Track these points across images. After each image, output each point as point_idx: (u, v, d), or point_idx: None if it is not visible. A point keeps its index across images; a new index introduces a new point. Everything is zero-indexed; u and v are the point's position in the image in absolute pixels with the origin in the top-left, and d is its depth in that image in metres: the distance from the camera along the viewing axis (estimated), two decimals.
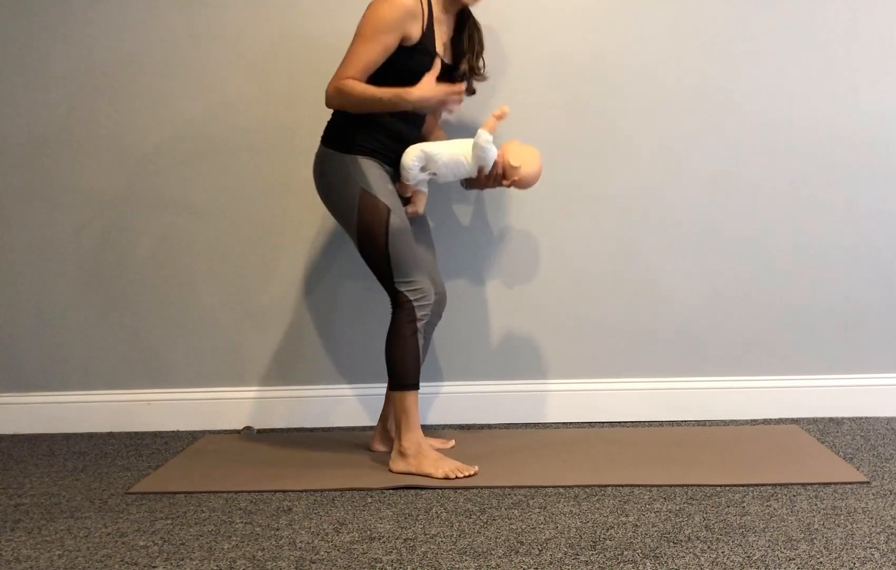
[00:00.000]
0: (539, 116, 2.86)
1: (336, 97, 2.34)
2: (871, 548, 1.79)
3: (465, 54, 2.48)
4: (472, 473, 2.33)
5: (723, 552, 1.79)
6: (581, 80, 2.85)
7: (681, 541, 1.86)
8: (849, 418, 2.85)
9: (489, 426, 2.88)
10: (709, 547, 1.82)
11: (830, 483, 2.20)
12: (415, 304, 2.35)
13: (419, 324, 2.36)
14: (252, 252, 2.95)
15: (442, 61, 2.41)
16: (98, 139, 2.95)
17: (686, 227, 2.88)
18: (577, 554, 1.81)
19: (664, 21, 2.82)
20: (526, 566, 1.76)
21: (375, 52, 2.30)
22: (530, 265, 2.92)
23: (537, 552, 1.82)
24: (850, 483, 2.19)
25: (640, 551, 1.82)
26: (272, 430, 2.96)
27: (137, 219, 2.97)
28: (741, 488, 2.19)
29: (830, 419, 2.84)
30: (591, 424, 2.88)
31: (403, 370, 2.36)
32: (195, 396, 3.00)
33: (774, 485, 2.20)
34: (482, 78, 2.57)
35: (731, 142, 2.84)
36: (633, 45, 2.83)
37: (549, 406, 2.86)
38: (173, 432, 2.98)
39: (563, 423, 2.90)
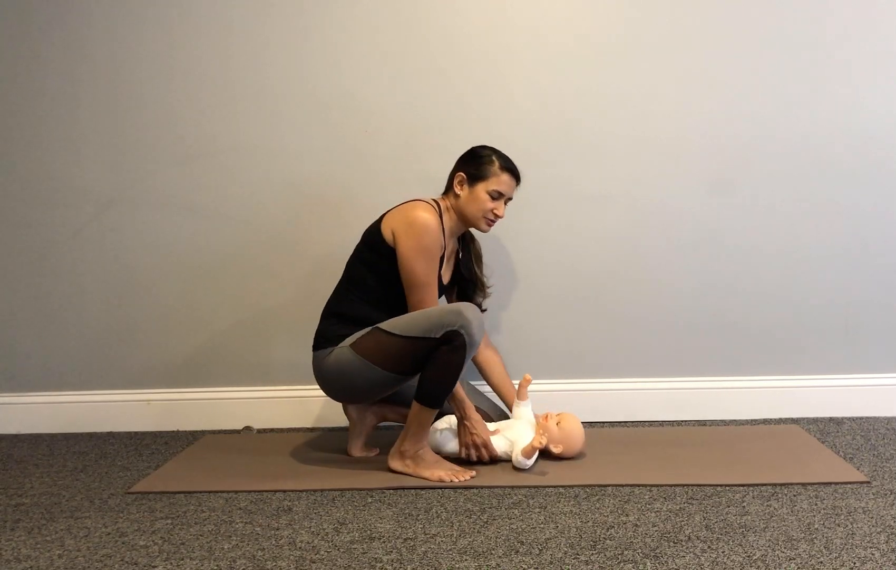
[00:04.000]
0: (540, 113, 2.86)
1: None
2: (871, 548, 1.79)
3: (472, 273, 2.64)
4: (468, 477, 2.32)
5: (723, 552, 1.79)
6: (582, 80, 2.85)
7: (681, 541, 1.86)
8: (849, 418, 2.85)
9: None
10: (709, 547, 1.82)
11: (830, 483, 2.20)
12: (461, 330, 2.25)
13: (467, 352, 2.28)
14: (252, 252, 2.95)
15: (440, 281, 2.51)
16: (98, 139, 2.95)
17: (686, 228, 2.88)
18: (577, 554, 1.81)
19: (665, 23, 2.82)
20: (526, 566, 1.76)
21: (436, 270, 2.42)
22: (529, 266, 2.92)
23: (537, 552, 1.82)
24: (850, 483, 2.19)
25: (640, 551, 1.81)
26: (272, 430, 2.96)
27: (137, 219, 2.97)
28: (741, 488, 2.19)
29: (830, 419, 2.84)
30: (591, 424, 2.88)
31: (440, 391, 2.32)
32: (195, 396, 3.00)
33: (774, 485, 2.20)
34: (486, 295, 2.67)
35: (732, 143, 2.84)
36: (633, 48, 2.83)
37: (550, 406, 2.84)
38: (173, 432, 2.98)
39: None
